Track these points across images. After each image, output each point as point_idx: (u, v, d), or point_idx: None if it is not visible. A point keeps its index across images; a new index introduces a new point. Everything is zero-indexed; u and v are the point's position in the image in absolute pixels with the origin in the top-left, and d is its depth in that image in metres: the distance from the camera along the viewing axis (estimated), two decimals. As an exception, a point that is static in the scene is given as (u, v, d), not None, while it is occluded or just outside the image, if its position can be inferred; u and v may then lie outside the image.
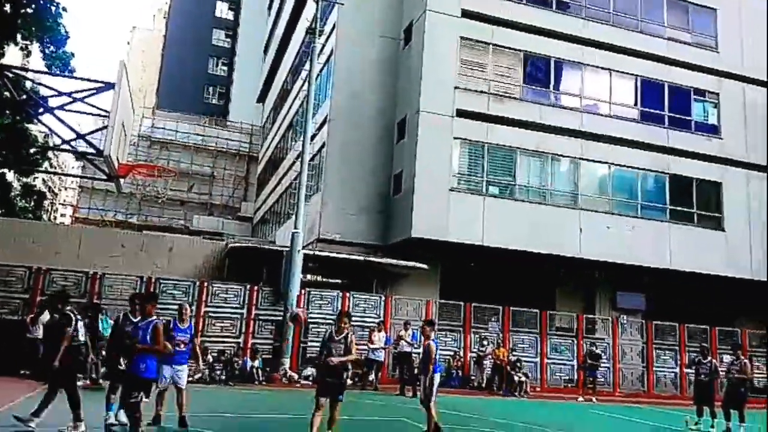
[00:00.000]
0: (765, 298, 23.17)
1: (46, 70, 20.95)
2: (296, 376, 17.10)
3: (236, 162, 45.79)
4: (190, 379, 10.77)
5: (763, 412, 13.23)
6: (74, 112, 14.09)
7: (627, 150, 23.61)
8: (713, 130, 25.36)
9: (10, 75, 16.10)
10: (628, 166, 23.85)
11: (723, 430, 12.61)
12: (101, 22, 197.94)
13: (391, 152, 23.70)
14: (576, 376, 20.23)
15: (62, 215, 78.23)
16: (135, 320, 8.35)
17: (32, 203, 38.23)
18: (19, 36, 21.42)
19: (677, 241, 23.29)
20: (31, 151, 25.66)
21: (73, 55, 22.05)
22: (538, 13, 23.74)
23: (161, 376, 8.70)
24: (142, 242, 21.06)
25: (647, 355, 21.65)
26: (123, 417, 7.93)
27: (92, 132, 15.18)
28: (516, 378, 18.60)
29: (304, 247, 19.08)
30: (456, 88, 22.09)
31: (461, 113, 21.91)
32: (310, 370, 17.01)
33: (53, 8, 20.92)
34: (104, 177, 14.94)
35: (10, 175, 31.14)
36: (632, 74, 24.62)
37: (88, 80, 13.57)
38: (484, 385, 19.09)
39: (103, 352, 12.22)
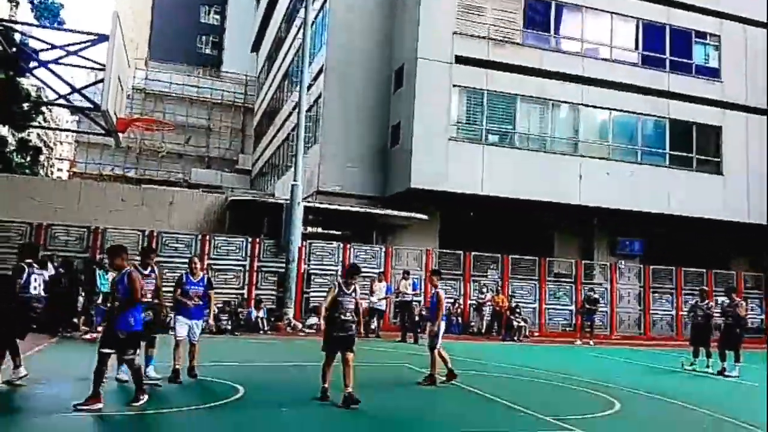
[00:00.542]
0: (761, 240, 23.44)
1: (35, 22, 20.46)
2: (300, 325, 17.46)
3: (232, 114, 45.21)
4: (198, 330, 10.92)
5: (757, 352, 13.58)
6: (68, 65, 13.76)
7: (627, 95, 23.39)
8: (714, 74, 25.05)
9: (0, 28, 15.70)
10: (628, 111, 23.69)
11: (718, 370, 12.96)
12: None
13: (389, 102, 23.44)
14: (574, 321, 20.68)
15: (59, 170, 77.73)
16: (145, 272, 8.29)
17: (29, 158, 38.06)
18: (6, -15, 20.90)
19: (676, 186, 23.34)
20: (24, 106, 25.34)
21: (62, 5, 21.59)
22: (538, -46, 23.09)
23: (178, 331, 8.77)
24: (143, 196, 21.02)
25: (644, 298, 22.07)
26: (123, 375, 7.97)
27: (88, 86, 14.85)
28: (515, 323, 19.00)
29: (303, 200, 19.13)
30: (455, 33, 21.68)
31: (460, 60, 21.55)
32: (313, 319, 17.31)
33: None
34: (102, 132, 14.75)
35: (4, 131, 30.86)
36: (633, 17, 24.13)
37: (80, 32, 13.18)
38: (483, 331, 19.50)
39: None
